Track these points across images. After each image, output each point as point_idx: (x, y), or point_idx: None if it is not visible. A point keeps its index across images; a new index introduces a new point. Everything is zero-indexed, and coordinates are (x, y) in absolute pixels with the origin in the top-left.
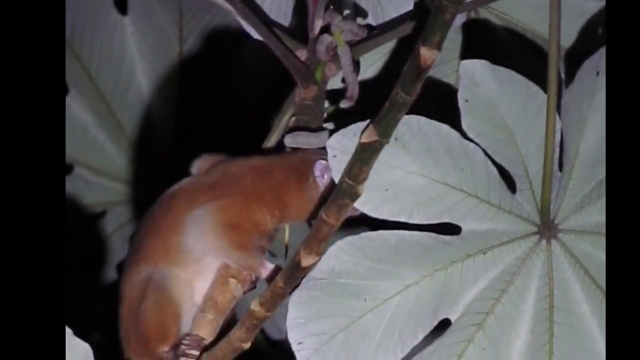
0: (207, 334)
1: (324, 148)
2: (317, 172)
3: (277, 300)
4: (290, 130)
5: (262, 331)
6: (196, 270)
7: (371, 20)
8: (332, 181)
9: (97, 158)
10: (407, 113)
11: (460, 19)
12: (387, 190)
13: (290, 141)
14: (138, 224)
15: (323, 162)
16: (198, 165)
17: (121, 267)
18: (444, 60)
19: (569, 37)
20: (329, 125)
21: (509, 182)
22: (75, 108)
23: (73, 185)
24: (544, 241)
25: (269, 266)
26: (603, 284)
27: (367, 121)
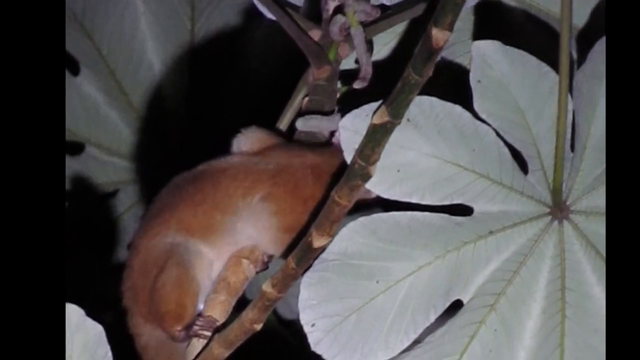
0: (219, 315)
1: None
2: None
3: (288, 281)
4: (303, 112)
5: (274, 311)
6: (225, 252)
7: (384, 0)
8: (344, 163)
9: (108, 137)
10: (420, 94)
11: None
12: (399, 171)
13: (302, 124)
14: (162, 192)
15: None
16: (246, 140)
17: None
18: (456, 41)
19: (581, 17)
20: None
21: (521, 163)
22: (87, 87)
23: (84, 165)
24: (555, 222)
25: None
26: None
27: (380, 102)
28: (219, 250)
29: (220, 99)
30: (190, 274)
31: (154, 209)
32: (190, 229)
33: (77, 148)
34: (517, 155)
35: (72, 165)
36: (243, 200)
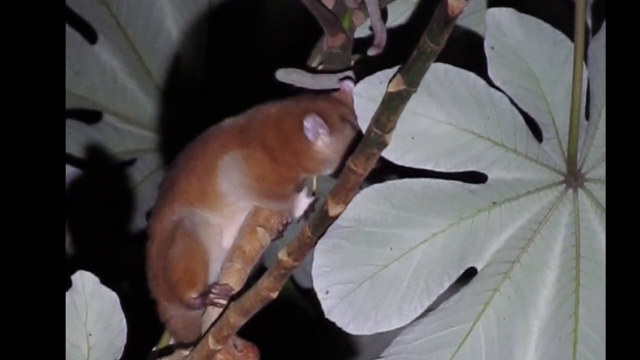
0: (235, 283)
1: (325, 90)
2: (307, 132)
3: (304, 249)
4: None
5: (292, 279)
6: (228, 214)
7: None
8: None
9: (126, 105)
10: (435, 62)
11: None
12: (413, 138)
13: (282, 76)
14: (172, 165)
15: (311, 118)
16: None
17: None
18: (472, 10)
19: None
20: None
21: (536, 131)
22: (104, 55)
23: (102, 133)
24: (570, 190)
25: (304, 204)
26: None
27: (394, 69)
28: (222, 214)
29: (236, 66)
30: (197, 240)
31: (162, 189)
32: (191, 199)
33: (94, 116)
34: (531, 123)
35: (90, 134)
36: (220, 160)
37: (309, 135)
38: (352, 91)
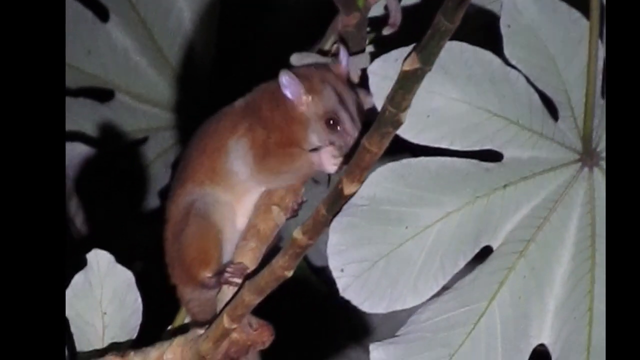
0: (249, 262)
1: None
2: (285, 90)
3: (319, 228)
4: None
5: (305, 258)
6: (239, 192)
7: None
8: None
9: (138, 84)
10: (450, 40)
11: None
12: (428, 116)
13: (296, 60)
14: (185, 146)
15: (286, 74)
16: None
17: (163, 194)
18: None
19: None
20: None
21: (551, 110)
22: (116, 34)
23: (114, 112)
24: (585, 169)
25: (321, 158)
26: None
27: (409, 47)
28: (233, 193)
29: (249, 45)
30: (210, 220)
31: (176, 171)
32: (202, 178)
33: (107, 95)
34: (547, 102)
35: (102, 113)
36: (229, 140)
37: (287, 92)
38: (344, 59)
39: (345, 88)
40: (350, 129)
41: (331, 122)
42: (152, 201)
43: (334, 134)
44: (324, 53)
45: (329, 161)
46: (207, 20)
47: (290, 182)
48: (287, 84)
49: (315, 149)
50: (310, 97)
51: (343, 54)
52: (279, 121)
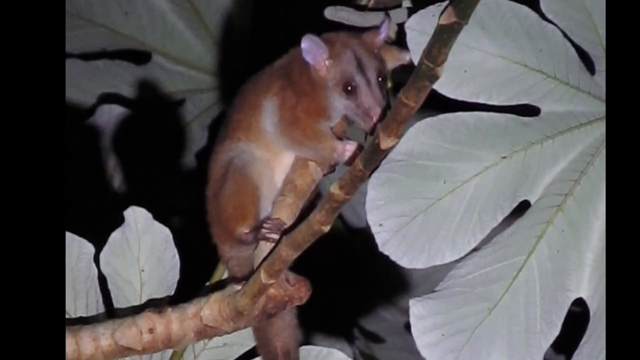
0: (286, 217)
1: (369, 28)
2: (306, 54)
3: (356, 182)
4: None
5: (342, 219)
6: (275, 149)
7: None
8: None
9: (175, 46)
10: None
11: None
12: (465, 71)
13: (330, 13)
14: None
15: (307, 39)
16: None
17: (200, 155)
18: None
19: None
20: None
21: (588, 63)
22: None
23: (151, 73)
24: None
25: (341, 147)
26: None
27: (446, 2)
28: (269, 150)
29: (285, 4)
30: (247, 176)
31: (219, 131)
32: (240, 136)
33: (144, 57)
34: (583, 56)
35: (140, 74)
36: (264, 100)
37: (308, 57)
38: (384, 31)
39: (370, 56)
40: (366, 95)
41: (349, 88)
42: (189, 161)
43: (350, 99)
44: (361, 8)
45: (343, 153)
46: None
47: (307, 157)
48: (308, 49)
49: (341, 139)
50: (329, 62)
51: (385, 26)
52: (306, 86)
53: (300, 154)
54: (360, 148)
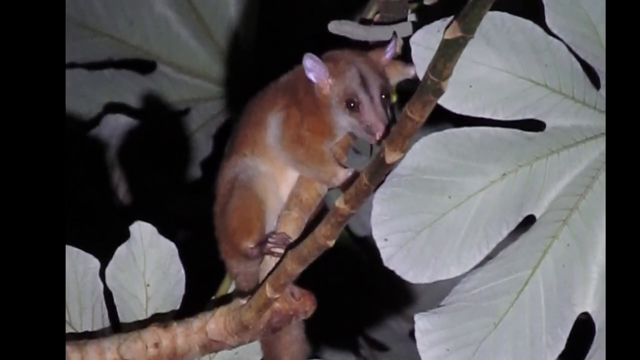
0: (292, 231)
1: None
2: (308, 73)
3: (361, 197)
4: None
5: (347, 228)
6: (280, 164)
7: None
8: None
9: (180, 55)
10: (491, 9)
11: None
12: (471, 86)
13: (334, 27)
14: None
15: (309, 57)
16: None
17: (205, 165)
18: None
19: None
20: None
21: (593, 78)
22: (158, 5)
23: (156, 83)
24: None
25: (342, 174)
26: None
27: (451, 17)
28: (274, 165)
29: (292, 15)
30: (253, 191)
31: (226, 146)
32: (245, 152)
33: (149, 66)
34: (589, 70)
35: (144, 84)
36: (270, 115)
37: (311, 76)
38: (390, 50)
39: (373, 73)
40: (369, 111)
41: (352, 104)
42: (195, 171)
43: (353, 115)
44: (366, 22)
45: (340, 178)
46: None
47: (305, 175)
48: (311, 67)
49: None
50: (332, 80)
51: (392, 45)
52: (311, 104)
53: (300, 172)
54: (356, 177)
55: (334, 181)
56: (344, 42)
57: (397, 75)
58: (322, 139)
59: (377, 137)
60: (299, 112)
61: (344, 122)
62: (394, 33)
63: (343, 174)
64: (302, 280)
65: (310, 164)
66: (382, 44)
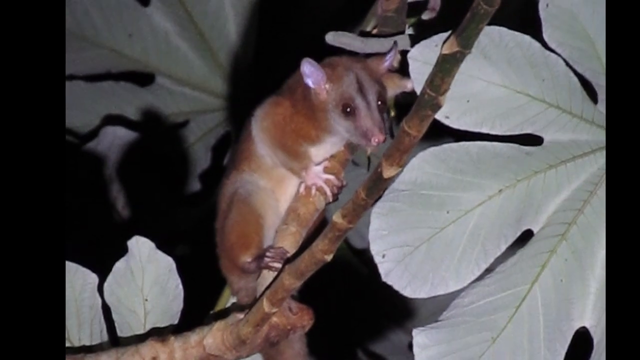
0: (289, 246)
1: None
2: (306, 78)
3: (359, 211)
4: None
5: (346, 240)
6: (277, 178)
7: None
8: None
9: (179, 67)
10: (489, 24)
11: None
12: (468, 101)
13: (332, 39)
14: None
15: (307, 63)
16: None
17: (204, 177)
18: None
19: None
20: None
21: (591, 92)
22: (157, 17)
23: (155, 95)
24: None
25: (313, 171)
26: None
27: (449, 32)
28: (271, 179)
29: (289, 28)
30: (251, 206)
31: (226, 167)
32: (243, 167)
33: (148, 79)
34: (586, 85)
35: (143, 96)
36: (255, 126)
37: (309, 81)
38: (389, 59)
39: (371, 80)
40: (365, 117)
41: (348, 109)
42: (193, 184)
43: (349, 120)
44: (365, 35)
45: (313, 177)
46: (247, 3)
47: (280, 162)
48: (309, 73)
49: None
50: (329, 85)
51: (391, 54)
52: (306, 108)
53: (274, 155)
54: (326, 182)
55: (304, 175)
56: (341, 54)
57: (394, 87)
58: (302, 141)
59: (373, 143)
60: (291, 108)
61: (340, 127)
62: (394, 42)
63: (312, 172)
64: (302, 292)
65: (283, 150)
66: (381, 55)
